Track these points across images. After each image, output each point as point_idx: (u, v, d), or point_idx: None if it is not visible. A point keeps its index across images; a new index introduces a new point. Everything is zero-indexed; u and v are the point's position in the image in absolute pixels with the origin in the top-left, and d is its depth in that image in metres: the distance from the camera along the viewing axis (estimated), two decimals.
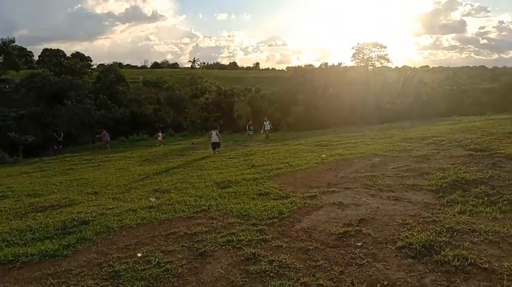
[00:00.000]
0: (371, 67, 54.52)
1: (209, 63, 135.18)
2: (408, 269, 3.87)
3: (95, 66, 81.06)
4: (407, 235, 4.63)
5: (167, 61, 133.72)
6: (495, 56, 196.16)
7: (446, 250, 4.11)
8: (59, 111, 40.16)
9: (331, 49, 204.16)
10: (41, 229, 6.35)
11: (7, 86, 55.29)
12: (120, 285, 4.08)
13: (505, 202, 5.68)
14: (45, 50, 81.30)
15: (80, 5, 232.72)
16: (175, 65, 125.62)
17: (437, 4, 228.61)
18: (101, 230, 5.93)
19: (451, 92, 48.31)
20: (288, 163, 11.03)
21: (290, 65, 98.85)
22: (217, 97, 51.40)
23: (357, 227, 5.08)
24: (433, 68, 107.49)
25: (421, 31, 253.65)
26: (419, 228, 4.83)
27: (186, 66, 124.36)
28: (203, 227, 5.65)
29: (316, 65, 60.53)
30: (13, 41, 72.27)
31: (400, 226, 5.00)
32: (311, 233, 5.07)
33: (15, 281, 4.43)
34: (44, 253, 5.13)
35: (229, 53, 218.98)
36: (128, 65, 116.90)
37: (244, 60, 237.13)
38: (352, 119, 36.17)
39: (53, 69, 57.59)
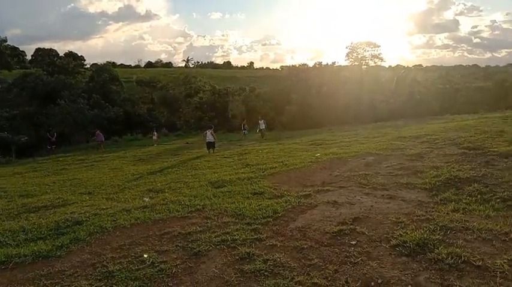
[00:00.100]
0: (365, 66, 54.60)
1: (203, 63, 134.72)
2: (402, 267, 3.88)
3: (88, 66, 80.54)
4: (401, 233, 4.65)
5: (161, 60, 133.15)
6: (488, 55, 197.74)
7: (440, 248, 4.13)
8: (52, 111, 39.86)
9: (325, 48, 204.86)
10: (34, 229, 6.31)
11: None
12: (114, 285, 4.07)
13: (498, 200, 5.72)
14: (38, 50, 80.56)
15: (72, 4, 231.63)
16: (169, 65, 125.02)
17: (430, 3, 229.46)
18: (95, 230, 5.91)
19: (444, 91, 48.52)
20: (282, 162, 11.03)
21: (284, 64, 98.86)
22: (211, 97, 51.29)
23: (351, 226, 5.09)
24: (426, 67, 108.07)
25: (415, 30, 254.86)
26: (413, 226, 4.85)
27: (180, 65, 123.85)
28: (197, 227, 5.64)
29: (311, 64, 60.57)
30: (5, 41, 72.05)
31: (394, 224, 5.02)
32: (305, 232, 5.08)
33: (8, 282, 4.40)
34: (37, 253, 5.10)
35: (223, 52, 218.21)
36: (121, 64, 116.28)
37: (238, 60, 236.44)
38: (346, 118, 36.24)
39: (46, 68, 57.09)
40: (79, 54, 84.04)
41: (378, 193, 6.73)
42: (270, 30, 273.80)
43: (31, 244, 5.57)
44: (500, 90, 46.58)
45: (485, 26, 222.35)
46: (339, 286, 3.69)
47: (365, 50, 54.42)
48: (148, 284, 4.04)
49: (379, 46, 54.65)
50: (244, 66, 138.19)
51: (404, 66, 74.47)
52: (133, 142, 35.97)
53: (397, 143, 11.73)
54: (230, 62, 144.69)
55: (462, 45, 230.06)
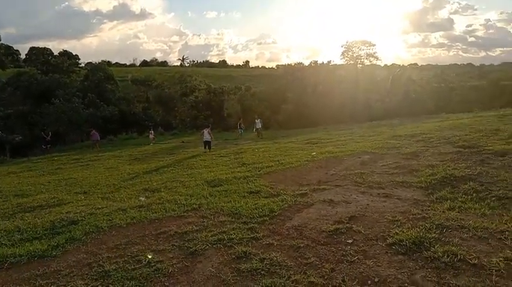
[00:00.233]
0: (360, 65, 54.72)
1: (198, 62, 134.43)
2: (399, 266, 3.89)
3: (83, 65, 79.90)
4: (397, 231, 4.66)
5: (156, 59, 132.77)
6: (482, 53, 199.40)
7: (436, 247, 4.15)
8: (47, 110, 39.61)
9: (321, 47, 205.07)
10: (29, 229, 6.27)
11: None
12: (110, 285, 4.05)
13: (494, 198, 5.74)
14: (32, 49, 79.91)
15: (67, 3, 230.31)
16: (164, 63, 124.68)
17: (425, 2, 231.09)
18: (90, 230, 5.88)
19: (439, 90, 48.85)
20: (278, 160, 11.04)
21: (280, 63, 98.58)
22: (207, 95, 51.20)
23: (348, 225, 5.10)
24: (421, 65, 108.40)
25: (410, 29, 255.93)
26: (409, 225, 4.86)
27: (176, 64, 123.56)
28: (194, 226, 5.63)
29: (306, 63, 60.82)
30: None
31: (390, 223, 5.04)
32: (302, 231, 5.08)
33: (3, 282, 4.37)
34: (32, 253, 5.07)
35: (219, 51, 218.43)
36: (116, 63, 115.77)
37: (233, 59, 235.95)
38: (342, 117, 36.35)
39: (40, 67, 56.80)
40: (73, 53, 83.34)
41: (374, 191, 6.74)
42: (265, 29, 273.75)
43: (26, 244, 5.53)
44: (495, 89, 46.94)
45: (480, 25, 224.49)
46: (336, 285, 3.70)
47: (360, 49, 54.60)
48: (145, 283, 4.03)
49: (374, 45, 54.89)
50: (239, 65, 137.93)
51: (399, 65, 74.72)
52: (129, 141, 35.82)
53: (393, 142, 11.77)
54: (225, 61, 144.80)
55: (457, 44, 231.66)
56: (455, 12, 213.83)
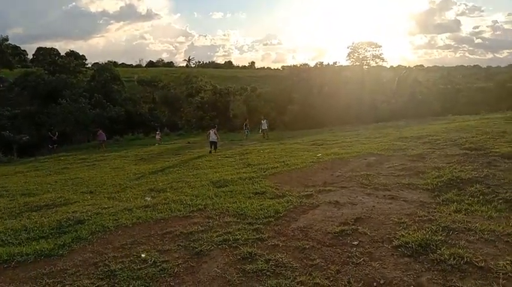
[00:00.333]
0: (366, 66, 54.52)
1: (204, 62, 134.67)
2: (404, 268, 3.88)
3: (90, 65, 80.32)
4: (403, 233, 4.65)
5: (162, 60, 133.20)
6: (489, 55, 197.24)
7: (442, 249, 4.13)
8: (54, 110, 39.81)
9: (327, 48, 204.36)
10: (36, 228, 6.31)
11: (1, 85, 54.77)
12: (116, 285, 4.07)
13: (500, 201, 5.71)
14: (39, 49, 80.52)
15: (74, 3, 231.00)
16: (170, 64, 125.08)
17: (431, 4, 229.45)
18: (97, 229, 5.91)
19: (445, 91, 48.50)
20: (284, 161, 11.04)
21: (285, 64, 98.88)
22: (212, 96, 51.23)
23: (353, 226, 5.09)
24: (427, 67, 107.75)
25: (416, 30, 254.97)
26: (415, 227, 4.85)
27: (181, 65, 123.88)
28: (199, 227, 5.64)
29: (312, 64, 60.49)
30: (7, 40, 71.86)
31: (396, 225, 5.02)
32: (307, 232, 5.08)
33: (10, 281, 4.40)
34: (39, 252, 5.10)
35: (225, 52, 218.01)
36: (122, 63, 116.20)
37: (239, 59, 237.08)
38: (348, 118, 36.19)
39: (47, 68, 57.05)
40: (80, 54, 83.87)
41: (380, 193, 6.73)
42: (271, 30, 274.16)
43: (33, 243, 5.57)
44: (502, 91, 46.54)
45: (487, 27, 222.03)
46: None
47: (366, 50, 54.40)
48: (150, 283, 4.05)
49: (380, 46, 54.66)
50: (245, 66, 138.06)
51: (405, 67, 74.25)
52: (135, 141, 35.96)
53: (399, 144, 11.72)
54: (231, 62, 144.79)
55: (464, 45, 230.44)
56: (462, 13, 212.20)
